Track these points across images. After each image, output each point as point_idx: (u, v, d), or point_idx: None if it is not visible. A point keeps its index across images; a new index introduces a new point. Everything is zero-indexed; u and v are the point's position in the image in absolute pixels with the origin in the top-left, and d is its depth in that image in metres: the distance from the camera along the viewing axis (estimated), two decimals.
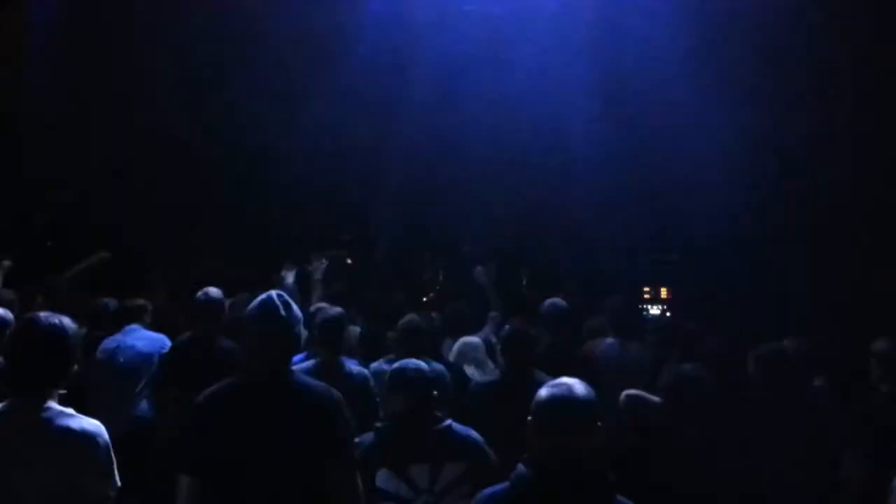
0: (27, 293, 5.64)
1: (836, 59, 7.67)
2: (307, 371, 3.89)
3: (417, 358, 3.54)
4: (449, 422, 3.34)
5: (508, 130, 9.08)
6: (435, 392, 3.36)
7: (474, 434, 3.38)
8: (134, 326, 5.29)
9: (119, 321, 5.35)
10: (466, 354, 5.11)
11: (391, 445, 3.28)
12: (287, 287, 5.89)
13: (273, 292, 3.08)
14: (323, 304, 5.40)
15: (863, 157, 7.64)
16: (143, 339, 5.22)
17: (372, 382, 4.44)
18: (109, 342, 5.18)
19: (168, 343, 5.13)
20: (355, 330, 5.28)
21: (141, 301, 5.55)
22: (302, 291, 6.10)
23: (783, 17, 7.84)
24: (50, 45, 8.74)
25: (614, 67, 8.62)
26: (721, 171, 7.99)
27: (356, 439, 3.17)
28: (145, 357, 5.12)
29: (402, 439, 3.29)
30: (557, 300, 5.28)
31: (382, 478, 3.21)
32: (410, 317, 4.81)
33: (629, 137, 8.51)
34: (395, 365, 3.49)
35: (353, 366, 4.47)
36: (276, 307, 3.01)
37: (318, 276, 6.45)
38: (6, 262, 5.98)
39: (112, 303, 5.68)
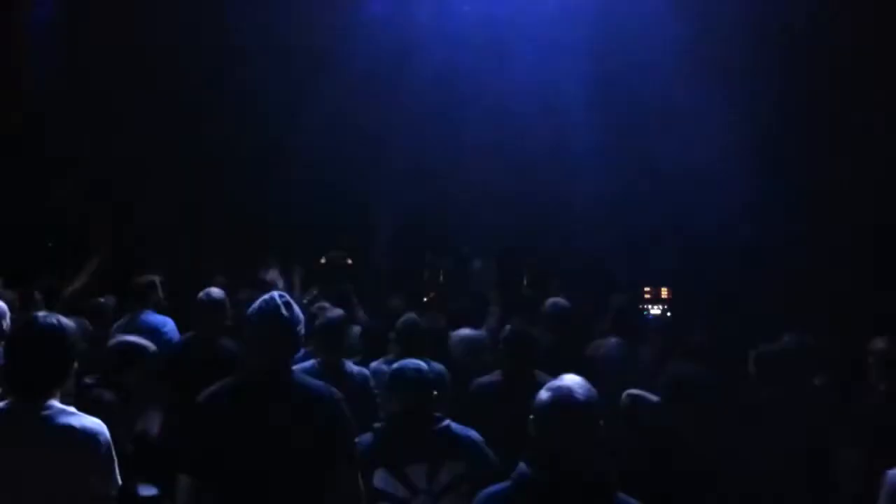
0: (26, 293, 5.64)
1: (834, 52, 7.69)
2: (307, 371, 3.89)
3: (417, 357, 3.54)
4: (447, 422, 3.34)
5: (509, 130, 9.09)
6: (435, 392, 3.36)
7: (473, 434, 3.38)
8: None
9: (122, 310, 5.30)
10: (467, 350, 5.09)
11: (389, 445, 3.28)
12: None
13: (275, 293, 3.09)
14: (325, 305, 5.40)
15: (864, 153, 7.64)
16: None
17: (372, 383, 4.45)
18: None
19: (173, 326, 5.11)
20: (356, 330, 5.29)
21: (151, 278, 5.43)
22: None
23: (785, 12, 7.87)
24: (52, 43, 8.75)
25: (613, 66, 8.63)
26: (721, 167, 8.01)
27: (356, 439, 3.18)
28: None
29: (400, 439, 3.29)
30: (559, 300, 5.28)
31: (380, 477, 3.21)
32: (408, 316, 4.82)
33: (628, 135, 8.53)
34: (395, 365, 3.49)
35: (352, 366, 4.48)
36: (278, 307, 3.02)
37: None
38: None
39: (110, 300, 5.67)
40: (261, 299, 3.07)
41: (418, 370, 3.37)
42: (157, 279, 5.44)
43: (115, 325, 5.14)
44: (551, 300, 5.29)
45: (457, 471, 3.24)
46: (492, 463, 3.28)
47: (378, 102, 9.22)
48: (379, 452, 3.25)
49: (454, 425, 3.34)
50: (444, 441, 3.28)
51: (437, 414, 3.34)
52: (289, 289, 6.10)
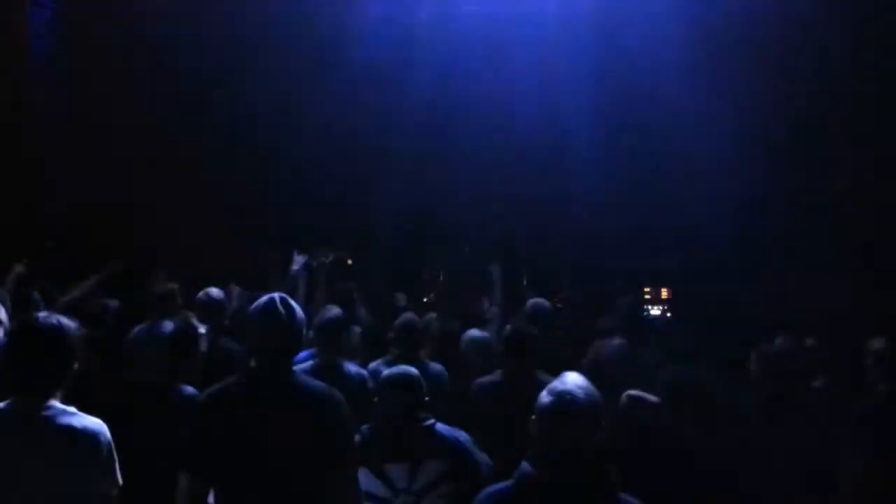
0: (25, 292, 5.61)
1: (833, 54, 7.71)
2: (306, 372, 3.89)
3: (415, 358, 3.50)
4: (432, 421, 3.33)
5: (509, 131, 9.11)
6: (426, 397, 3.36)
7: (461, 434, 3.37)
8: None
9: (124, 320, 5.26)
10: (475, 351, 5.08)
11: (371, 445, 3.28)
12: (292, 274, 5.79)
13: (276, 294, 3.09)
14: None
15: (862, 154, 7.66)
16: None
17: (370, 384, 4.44)
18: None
19: None
20: (356, 330, 5.29)
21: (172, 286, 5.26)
22: (308, 283, 5.99)
23: (781, 12, 7.88)
24: (53, 48, 8.75)
25: (614, 66, 8.65)
26: (720, 168, 8.02)
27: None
28: None
29: (382, 439, 3.30)
30: (539, 300, 5.26)
31: (362, 477, 3.21)
32: (407, 316, 4.82)
33: (629, 137, 8.54)
34: (385, 373, 3.49)
35: (351, 367, 4.47)
36: (277, 308, 3.02)
37: (321, 276, 6.34)
38: (19, 268, 5.90)
39: (113, 303, 5.64)
40: (261, 300, 3.07)
41: (406, 376, 3.37)
42: (175, 287, 5.42)
43: (135, 332, 5.09)
44: (531, 300, 5.28)
45: (437, 470, 3.24)
46: (477, 463, 3.27)
47: (379, 102, 9.23)
48: (361, 453, 3.24)
49: (440, 425, 3.34)
50: (425, 440, 3.29)
51: (423, 414, 3.35)
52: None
